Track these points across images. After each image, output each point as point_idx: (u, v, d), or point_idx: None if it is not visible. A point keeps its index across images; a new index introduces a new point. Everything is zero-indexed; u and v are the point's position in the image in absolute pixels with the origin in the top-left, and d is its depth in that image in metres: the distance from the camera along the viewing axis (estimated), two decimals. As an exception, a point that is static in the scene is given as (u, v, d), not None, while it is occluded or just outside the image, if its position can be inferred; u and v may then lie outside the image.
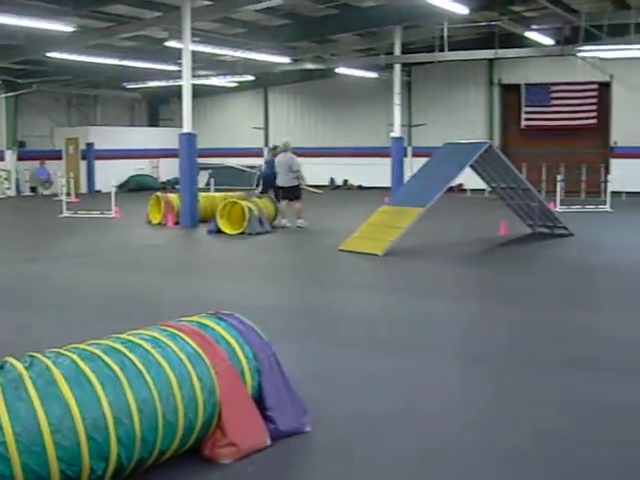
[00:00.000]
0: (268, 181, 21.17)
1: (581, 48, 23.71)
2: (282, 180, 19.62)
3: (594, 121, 31.28)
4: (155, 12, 22.27)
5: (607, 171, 29.32)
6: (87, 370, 4.68)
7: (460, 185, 29.90)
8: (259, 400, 5.54)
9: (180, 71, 21.08)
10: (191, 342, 5.28)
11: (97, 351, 4.90)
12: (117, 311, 10.21)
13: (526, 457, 5.40)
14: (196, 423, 5.10)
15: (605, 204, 24.01)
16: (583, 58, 28.75)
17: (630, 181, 28.10)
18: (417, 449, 5.55)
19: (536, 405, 6.47)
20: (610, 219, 21.75)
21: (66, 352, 4.87)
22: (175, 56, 23.56)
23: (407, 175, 27.57)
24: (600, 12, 23.38)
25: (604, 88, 31.09)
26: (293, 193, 19.60)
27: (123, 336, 5.26)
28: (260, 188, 21.41)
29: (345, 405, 6.41)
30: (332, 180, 36.03)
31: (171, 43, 22.33)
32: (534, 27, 24.26)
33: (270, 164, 21.19)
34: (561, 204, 23.05)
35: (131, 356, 4.92)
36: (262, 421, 5.50)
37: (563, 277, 13.00)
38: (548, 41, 24.79)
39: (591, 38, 24.20)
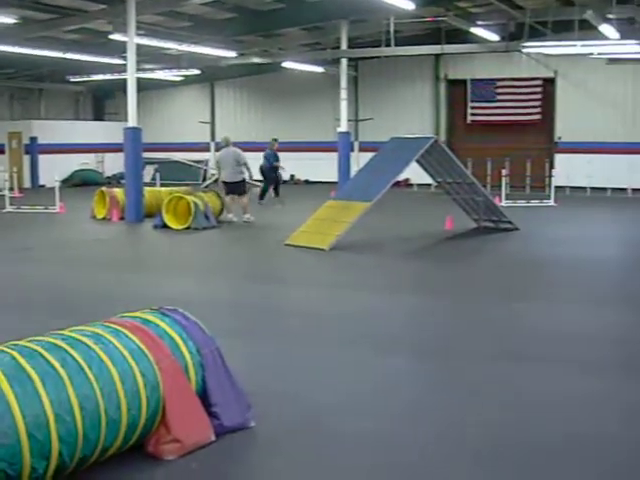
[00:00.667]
0: (270, 175, 22.94)
1: (526, 44, 23.88)
2: (227, 175, 19.49)
3: (539, 116, 31.59)
4: (100, 5, 22.00)
5: (551, 166, 29.63)
6: (27, 367, 4.61)
7: (407, 180, 30.06)
8: (203, 396, 5.51)
9: (125, 64, 20.88)
10: (134, 338, 5.23)
11: (38, 348, 4.83)
12: (59, 307, 10.10)
13: (467, 450, 5.43)
14: (139, 419, 5.06)
15: (549, 199, 24.27)
16: (528, 54, 29.02)
17: (574, 176, 28.45)
18: (358, 441, 5.57)
19: (473, 398, 6.52)
20: (554, 213, 21.98)
21: (6, 349, 4.80)
22: (120, 49, 23.32)
23: (354, 170, 27.65)
24: (545, 9, 23.58)
25: (548, 84, 31.41)
26: (239, 188, 19.52)
27: (64, 332, 5.20)
28: (207, 183, 21.33)
29: (289, 399, 6.41)
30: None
31: (116, 36, 22.11)
32: (480, 23, 24.41)
33: (270, 157, 22.61)
34: (506, 198, 23.25)
35: (73, 353, 4.86)
36: (206, 417, 5.47)
37: (507, 271, 13.13)
38: (493, 37, 24.96)
39: (536, 34, 24.42)
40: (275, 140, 22.33)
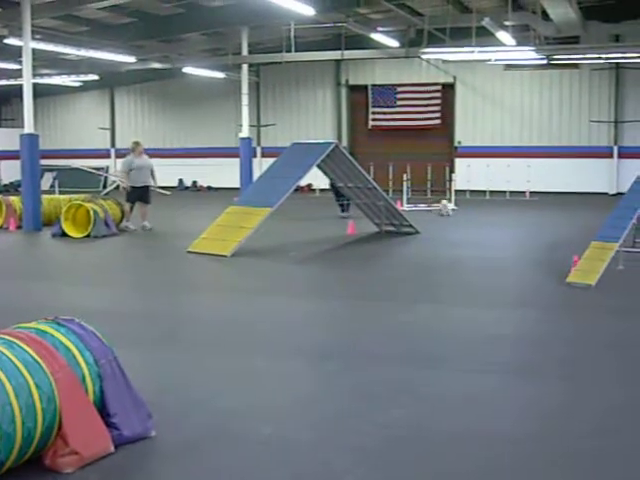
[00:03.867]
0: None
1: (425, 50, 24.23)
2: (143, 180, 19.24)
3: (439, 121, 32.07)
4: (-6, 8, 21.58)
5: (452, 170, 30.09)
6: None
7: (309, 185, 30.16)
8: (101, 406, 5.42)
9: (21, 70, 20.48)
10: (29, 349, 5.11)
11: None
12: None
13: (374, 453, 5.46)
14: (35, 432, 4.94)
15: (450, 202, 24.62)
16: (427, 60, 29.46)
17: (473, 180, 28.94)
18: (261, 447, 5.55)
19: (379, 400, 6.56)
20: (454, 217, 22.30)
21: None
22: (16, 54, 22.86)
23: (256, 175, 27.61)
24: (443, 15, 23.96)
25: (448, 89, 31.94)
26: (148, 194, 19.30)
27: (-45, 345, 5.05)
28: (107, 190, 20.88)
29: (190, 407, 6.35)
30: (181, 181, 35.74)
31: (11, 40, 21.65)
32: (380, 29, 24.65)
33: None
34: (407, 203, 23.52)
35: (-36, 365, 4.73)
36: (105, 427, 5.38)
37: (406, 274, 13.27)
38: (393, 43, 25.23)
39: (435, 41, 24.80)
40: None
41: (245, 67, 29.52)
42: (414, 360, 7.79)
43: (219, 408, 6.35)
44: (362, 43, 26.70)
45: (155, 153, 20.93)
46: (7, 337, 5.22)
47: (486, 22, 20.70)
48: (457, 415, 6.22)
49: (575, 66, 29.80)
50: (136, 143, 19.65)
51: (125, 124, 37.52)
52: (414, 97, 32.23)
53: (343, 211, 21.34)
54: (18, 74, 23.51)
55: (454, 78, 31.56)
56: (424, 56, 26.15)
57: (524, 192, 28.70)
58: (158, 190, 19.80)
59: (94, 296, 11.58)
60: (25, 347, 5.13)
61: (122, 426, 5.47)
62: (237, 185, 29.44)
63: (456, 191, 25.28)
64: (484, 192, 28.78)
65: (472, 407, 6.43)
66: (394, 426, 5.95)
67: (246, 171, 29.39)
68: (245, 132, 29.52)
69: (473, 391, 6.83)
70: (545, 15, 20.96)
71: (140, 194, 19.14)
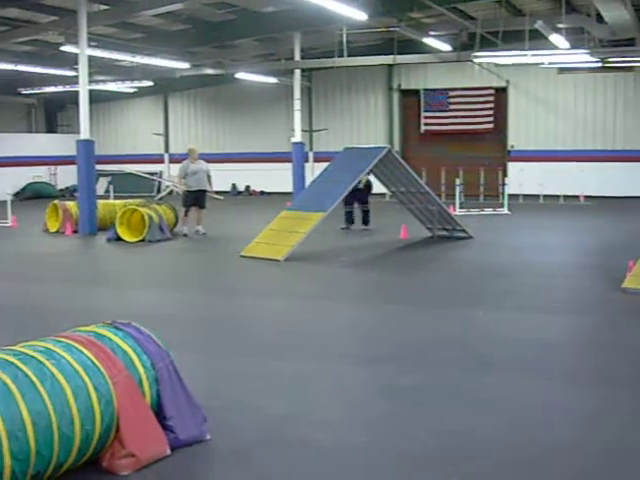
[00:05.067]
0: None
1: (477, 54, 24.09)
2: (200, 186, 19.25)
3: (491, 125, 31.86)
4: (51, 16, 21.87)
5: (504, 174, 29.89)
6: (-22, 384, 4.56)
7: (361, 189, 30.08)
8: (158, 409, 5.48)
9: (77, 76, 20.75)
10: (87, 353, 5.19)
11: (-11, 364, 4.78)
12: (11, 323, 9.98)
13: (427, 458, 5.45)
14: (94, 435, 5.01)
15: (503, 207, 24.47)
16: (480, 64, 29.31)
17: (526, 184, 28.70)
18: (313, 453, 5.57)
19: (432, 405, 6.54)
20: (508, 221, 22.16)
21: (-44, 366, 4.74)
22: (72, 61, 23.17)
23: (309, 180, 27.66)
24: (495, 19, 23.81)
25: (500, 93, 31.70)
26: (203, 199, 19.41)
27: (16, 348, 5.14)
28: (161, 195, 20.88)
29: (245, 411, 6.39)
30: (234, 186, 35.90)
31: (67, 48, 21.95)
32: (432, 33, 24.60)
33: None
34: (460, 207, 23.41)
35: (24, 368, 4.81)
36: (161, 430, 5.44)
37: (460, 279, 13.19)
38: (445, 47, 25.15)
39: (487, 44, 24.65)
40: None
41: (297, 72, 29.59)
42: (467, 365, 7.75)
43: (271, 412, 6.38)
44: (414, 47, 26.65)
45: (208, 158, 21.00)
46: (66, 340, 5.30)
47: (539, 25, 20.55)
48: (511, 422, 6.18)
49: (630, 69, 29.43)
50: (191, 149, 19.76)
51: (179, 129, 37.78)
52: (466, 101, 32.06)
53: (350, 222, 20.11)
54: (74, 81, 23.80)
55: (507, 82, 31.33)
56: (476, 60, 25.99)
57: (578, 196, 28.41)
58: (211, 195, 19.87)
59: (149, 300, 11.68)
60: (84, 350, 5.21)
61: (178, 429, 5.53)
62: (289, 190, 29.51)
63: (509, 195, 25.10)
64: (537, 196, 28.53)
65: (526, 414, 6.39)
66: (447, 432, 5.93)
67: (298, 176, 29.45)
68: (297, 137, 29.59)
69: (527, 398, 6.79)
70: (599, 17, 20.74)
71: (195, 199, 19.19)
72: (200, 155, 19.91)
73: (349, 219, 20.13)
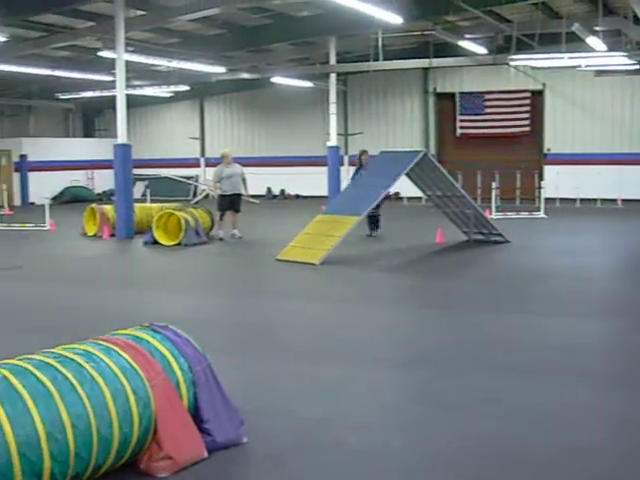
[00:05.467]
0: None
1: (513, 57, 23.99)
2: (234, 189, 19.29)
3: (527, 129, 31.70)
4: (88, 22, 22.06)
5: (541, 178, 29.73)
6: (19, 386, 4.61)
7: (396, 193, 30.10)
8: (195, 412, 5.51)
9: (115, 81, 20.91)
10: (125, 355, 5.23)
11: (29, 366, 4.83)
12: (50, 325, 10.07)
13: (461, 462, 5.44)
14: (132, 437, 5.05)
15: (539, 210, 24.34)
16: (516, 67, 29.16)
17: (563, 187, 28.52)
18: (352, 457, 5.56)
19: (467, 409, 6.53)
20: (544, 225, 22.04)
21: (-3, 368, 4.80)
22: (109, 66, 23.35)
23: (344, 184, 27.67)
24: (532, 21, 23.69)
25: (537, 96, 31.53)
26: (238, 203, 19.50)
27: (56, 351, 5.19)
28: (197, 199, 20.85)
29: (282, 415, 6.41)
30: (269, 190, 35.99)
31: (105, 53, 22.12)
32: (467, 36, 24.51)
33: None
34: (496, 211, 23.31)
35: (64, 371, 4.86)
36: (198, 433, 5.47)
37: (498, 284, 13.14)
38: (481, 50, 25.07)
39: (523, 47, 24.53)
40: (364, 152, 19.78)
41: (333, 76, 29.64)
42: (502, 370, 7.72)
43: (306, 416, 6.40)
44: (450, 51, 26.60)
45: (244, 162, 21.06)
46: (105, 343, 5.35)
47: (576, 28, 20.43)
48: (547, 428, 6.14)
49: (668, 71, 29.20)
50: (224, 153, 19.79)
51: (214, 133, 37.95)
52: (502, 104, 31.92)
53: (373, 229, 19.40)
54: (111, 85, 23.99)
55: (543, 85, 31.14)
56: (512, 63, 25.88)
57: (615, 200, 28.20)
58: (247, 198, 19.91)
59: (185, 303, 11.75)
60: (122, 353, 5.25)
61: (215, 432, 5.56)
62: (325, 193, 29.55)
63: (545, 199, 24.95)
64: (574, 200, 28.35)
65: (562, 419, 6.35)
66: (482, 437, 5.91)
67: (334, 179, 29.49)
68: (333, 141, 29.64)
69: (563, 402, 6.74)
70: (637, 20, 20.60)
71: (230, 203, 19.22)
72: (235, 159, 19.96)
73: (373, 225, 19.35)
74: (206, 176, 35.06)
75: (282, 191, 35.82)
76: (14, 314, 10.98)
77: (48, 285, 13.46)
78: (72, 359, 5.03)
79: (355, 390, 7.21)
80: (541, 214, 24.00)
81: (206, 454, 5.45)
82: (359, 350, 8.66)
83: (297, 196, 35.31)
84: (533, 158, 31.62)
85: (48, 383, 4.72)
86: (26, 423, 4.47)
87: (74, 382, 4.82)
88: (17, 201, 33.64)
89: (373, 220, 19.10)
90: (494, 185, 24.71)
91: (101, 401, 4.88)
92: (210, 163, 34.45)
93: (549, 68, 27.76)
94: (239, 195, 19.38)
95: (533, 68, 29.02)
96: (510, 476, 5.28)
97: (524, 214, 23.92)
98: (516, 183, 30.09)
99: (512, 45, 23.74)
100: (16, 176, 34.38)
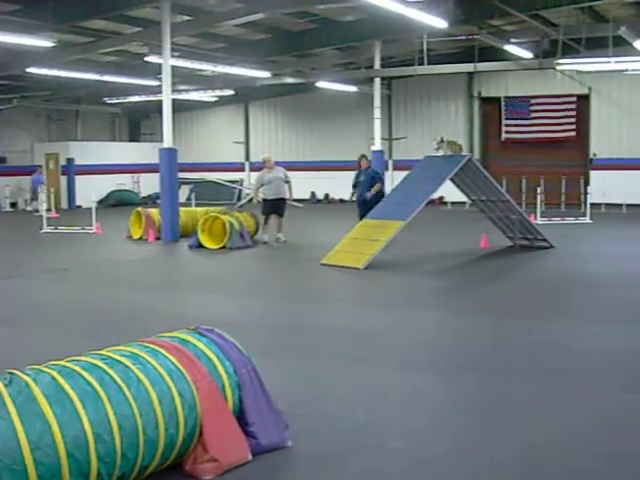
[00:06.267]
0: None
1: (559, 61, 23.86)
2: (277, 194, 19.19)
3: (573, 133, 31.46)
4: (135, 27, 22.29)
5: (587, 183, 29.49)
6: (67, 387, 4.67)
7: (441, 198, 30.03)
8: (240, 415, 5.54)
9: (160, 86, 21.09)
10: (172, 358, 5.28)
11: (77, 368, 4.90)
12: (96, 327, 10.17)
13: (511, 470, 5.42)
14: (177, 439, 5.09)
15: (585, 216, 24.14)
16: (562, 71, 28.96)
17: (609, 193, 28.28)
18: (398, 463, 5.56)
19: (519, 416, 6.50)
20: (590, 231, 21.85)
21: (46, 369, 4.86)
22: (155, 71, 23.57)
23: (388, 188, 27.64)
24: (578, 25, 23.53)
25: (583, 100, 31.28)
26: (282, 207, 19.43)
27: (103, 352, 5.25)
28: (242, 202, 20.77)
29: (327, 419, 6.42)
30: (313, 194, 36.05)
31: (151, 58, 22.33)
32: (513, 40, 24.41)
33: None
34: (541, 216, 23.15)
35: (111, 372, 4.92)
36: (243, 436, 5.50)
37: (543, 289, 13.05)
38: (527, 54, 24.94)
39: (569, 51, 24.37)
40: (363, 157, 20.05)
41: (377, 80, 29.63)
42: (548, 376, 7.67)
43: (351, 421, 6.40)
44: (495, 55, 26.49)
45: (288, 166, 21.13)
46: (152, 345, 5.41)
47: (623, 31, 20.26)
48: (587, 434, 6.11)
49: None
50: (265, 158, 19.80)
51: (259, 138, 38.11)
52: (548, 109, 31.71)
53: None
54: (157, 90, 24.20)
55: (589, 89, 30.88)
56: (558, 67, 25.71)
57: (663, 205, 27.92)
58: (291, 202, 19.94)
59: (230, 306, 11.81)
60: (168, 356, 5.30)
61: (260, 435, 5.58)
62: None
63: (591, 204, 24.74)
64: (620, 205, 28.09)
65: (608, 427, 6.31)
66: (528, 445, 5.87)
67: (378, 184, 29.45)
68: (377, 145, 29.63)
69: (610, 410, 6.69)
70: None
71: (273, 207, 19.15)
72: (279, 163, 20.01)
73: None
74: (250, 180, 35.17)
75: (326, 195, 35.86)
76: (62, 316, 11.11)
77: (94, 287, 13.59)
78: (119, 361, 5.08)
79: (399, 395, 7.21)
80: (587, 219, 23.79)
81: (250, 457, 5.47)
82: (404, 355, 8.65)
83: (341, 200, 35.30)
84: (579, 163, 31.36)
85: (96, 384, 4.78)
86: (74, 424, 4.53)
87: (121, 384, 4.88)
88: (64, 204, 34.00)
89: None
90: (539, 190, 24.53)
91: (147, 403, 4.92)
92: (254, 167, 34.59)
93: (595, 72, 27.56)
94: (282, 199, 19.37)
95: (579, 72, 28.81)
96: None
97: (569, 219, 23.74)
98: (561, 188, 29.88)
99: (558, 49, 23.61)
100: (63, 179, 34.77)
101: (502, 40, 24.17)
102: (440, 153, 17.10)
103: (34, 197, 32.61)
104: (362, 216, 17.57)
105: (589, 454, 5.66)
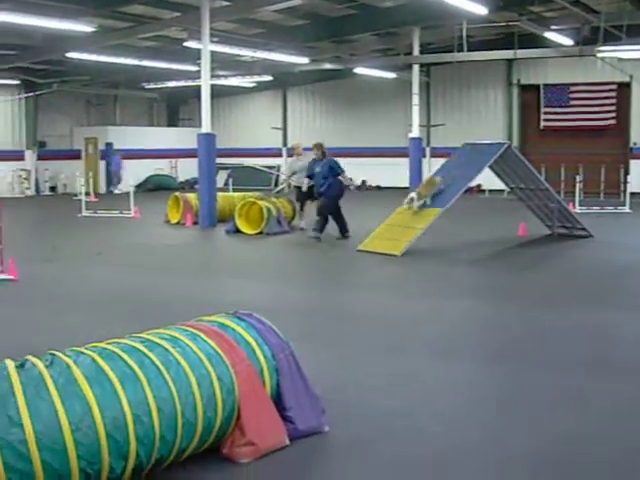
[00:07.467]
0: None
1: (600, 48, 23.60)
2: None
3: (613, 122, 31.16)
4: (174, 12, 22.35)
5: (626, 172, 29.21)
6: (107, 369, 4.71)
7: (479, 186, 29.86)
8: (277, 400, 5.56)
9: (199, 71, 21.14)
10: (211, 342, 5.31)
11: (117, 350, 4.94)
12: (135, 311, 10.25)
13: (543, 459, 5.39)
14: (215, 422, 5.12)
15: (624, 205, 23.91)
16: (602, 58, 28.65)
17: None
18: (433, 449, 5.56)
19: (553, 406, 6.47)
20: (629, 220, 21.66)
21: (86, 351, 4.91)
22: (194, 56, 23.62)
23: (425, 175, 27.55)
24: (619, 12, 23.27)
25: (623, 88, 30.95)
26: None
27: (143, 335, 5.29)
28: (279, 188, 20.49)
29: (363, 405, 6.43)
30: (350, 180, 35.96)
31: (190, 43, 22.38)
32: (553, 27, 24.18)
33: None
34: (580, 205, 22.97)
35: (151, 355, 4.95)
36: (281, 420, 5.52)
37: (581, 278, 12.96)
38: (567, 41, 24.70)
39: (610, 38, 24.08)
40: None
41: (416, 67, 29.50)
42: (584, 365, 7.61)
43: (386, 407, 6.39)
44: (534, 42, 26.22)
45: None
46: (191, 329, 5.44)
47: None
48: (630, 427, 6.05)
49: None
50: (294, 145, 19.74)
51: (296, 123, 38.10)
52: (588, 97, 31.43)
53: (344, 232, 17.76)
54: (196, 76, 24.24)
55: (630, 77, 30.52)
56: (599, 54, 25.44)
57: None
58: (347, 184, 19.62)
59: (266, 291, 11.84)
60: (207, 339, 5.33)
61: (297, 420, 5.60)
62: (406, 185, 29.44)
63: (631, 194, 24.49)
64: (661, 195, 27.82)
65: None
66: (562, 435, 5.83)
67: (415, 171, 29.39)
68: (415, 132, 29.52)
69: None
70: None
71: (307, 194, 18.71)
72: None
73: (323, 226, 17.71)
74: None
75: (363, 182, 35.80)
76: (101, 299, 11.19)
77: (132, 271, 13.69)
78: (159, 344, 5.12)
79: (433, 383, 7.19)
80: (626, 209, 23.55)
81: (288, 441, 5.49)
82: (439, 343, 8.63)
83: (378, 187, 35.26)
84: (618, 152, 31.06)
85: (135, 367, 4.81)
86: (114, 405, 4.57)
87: (160, 366, 4.91)
88: (102, 188, 34.22)
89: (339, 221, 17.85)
90: (578, 179, 24.33)
91: (186, 386, 4.95)
92: (291, 153, 34.64)
93: (637, 60, 27.25)
94: (310, 188, 18.57)
95: (620, 60, 28.50)
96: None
97: (608, 208, 23.54)
98: (600, 177, 29.60)
99: (599, 36, 23.34)
100: (102, 164, 34.99)
101: (542, 27, 23.94)
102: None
103: (118, 180, 33.00)
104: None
105: (625, 446, 5.61)
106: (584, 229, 17.47)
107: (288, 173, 19.30)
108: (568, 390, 6.89)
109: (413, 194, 15.90)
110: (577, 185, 23.83)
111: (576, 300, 11.05)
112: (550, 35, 24.15)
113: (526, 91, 33.20)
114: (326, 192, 17.55)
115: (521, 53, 25.98)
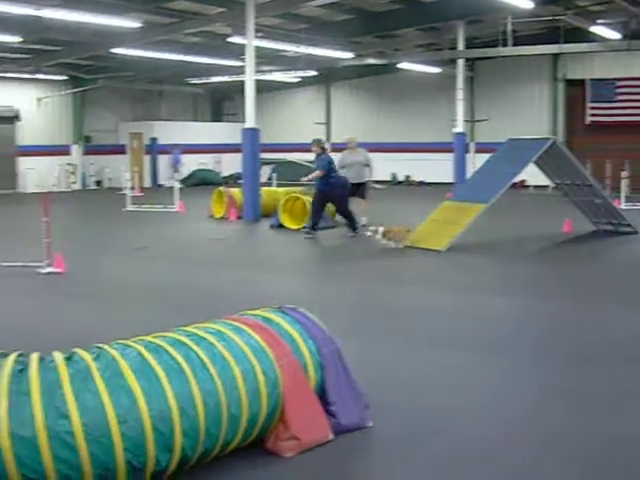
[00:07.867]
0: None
1: (648, 42, 23.38)
2: (354, 176, 18.62)
3: (661, 117, 30.84)
4: (219, 8, 22.42)
5: (674, 168, 28.87)
6: (153, 362, 4.74)
7: (523, 181, 29.66)
8: (322, 394, 5.57)
9: (243, 66, 21.20)
10: (256, 336, 5.33)
11: (163, 343, 4.97)
12: (181, 304, 10.31)
13: (583, 456, 5.35)
14: (259, 416, 5.14)
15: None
16: (650, 53, 28.35)
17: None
18: (478, 446, 5.53)
19: (594, 403, 6.41)
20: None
21: (132, 344, 4.95)
22: (238, 52, 23.71)
23: (469, 171, 27.46)
24: (668, 5, 23.03)
25: (672, 83, 30.60)
26: (364, 189, 19.04)
27: (188, 329, 5.32)
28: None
29: (408, 400, 6.42)
30: (394, 176, 35.93)
31: (234, 39, 22.48)
32: (600, 21, 23.96)
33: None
34: (626, 201, 22.73)
35: (196, 349, 4.98)
36: (325, 415, 5.53)
37: (628, 276, 12.82)
38: (614, 35, 24.46)
39: (659, 32, 23.86)
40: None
41: (460, 62, 29.40)
42: (631, 364, 7.55)
43: (432, 403, 6.36)
44: (580, 36, 25.98)
45: (369, 147, 21.04)
46: (236, 323, 5.46)
47: None
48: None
49: None
50: (348, 138, 19.60)
51: (340, 119, 38.10)
52: (635, 92, 31.11)
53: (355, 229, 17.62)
54: (240, 71, 24.35)
55: (679, 72, 30.22)
56: (647, 49, 25.20)
57: None
58: (371, 184, 19.71)
59: (310, 286, 11.89)
60: (252, 333, 5.34)
61: (340, 415, 5.60)
62: (449, 180, 29.34)
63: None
64: None
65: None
66: (618, 436, 5.74)
67: (460, 166, 29.29)
68: (459, 127, 29.41)
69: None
70: None
71: (354, 190, 18.53)
72: (361, 144, 19.86)
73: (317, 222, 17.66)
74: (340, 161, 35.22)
75: (407, 177, 35.71)
76: (146, 293, 11.28)
77: (177, 265, 13.77)
78: (204, 338, 5.14)
79: (481, 380, 7.15)
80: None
81: (332, 436, 5.50)
82: (485, 339, 8.57)
83: (422, 183, 35.16)
84: (666, 147, 30.70)
85: (181, 360, 4.84)
86: (159, 398, 4.60)
87: (205, 360, 4.93)
88: (147, 183, 34.46)
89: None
90: (624, 174, 24.08)
91: (231, 380, 4.97)
92: (335, 148, 34.63)
93: (686, 54, 26.94)
94: (362, 184, 18.80)
95: (668, 54, 28.18)
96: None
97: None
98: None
99: (647, 30, 23.11)
100: (147, 159, 35.25)
101: (588, 21, 23.74)
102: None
103: (175, 171, 33.23)
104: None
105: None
106: (630, 226, 17.28)
107: (338, 166, 19.04)
108: (621, 389, 6.76)
109: (382, 228, 15.58)
110: (623, 181, 23.59)
111: (621, 297, 10.90)
112: (596, 29, 23.94)
113: (572, 86, 32.93)
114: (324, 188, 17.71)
115: (567, 48, 25.78)
